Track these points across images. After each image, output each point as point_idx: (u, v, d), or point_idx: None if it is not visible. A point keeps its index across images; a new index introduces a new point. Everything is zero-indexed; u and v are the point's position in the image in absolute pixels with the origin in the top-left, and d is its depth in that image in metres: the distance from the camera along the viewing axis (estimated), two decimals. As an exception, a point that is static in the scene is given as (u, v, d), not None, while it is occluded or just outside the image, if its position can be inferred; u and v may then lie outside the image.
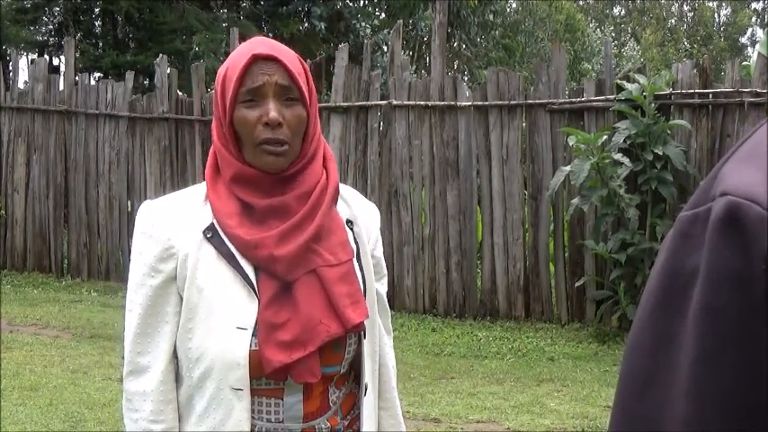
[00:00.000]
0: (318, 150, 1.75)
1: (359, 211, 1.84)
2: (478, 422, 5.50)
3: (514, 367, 6.88)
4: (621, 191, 7.46)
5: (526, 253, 8.42)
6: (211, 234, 1.69)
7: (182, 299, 1.69)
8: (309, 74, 1.75)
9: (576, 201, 7.59)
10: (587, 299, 8.10)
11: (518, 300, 8.41)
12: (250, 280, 1.66)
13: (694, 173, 7.58)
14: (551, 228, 8.38)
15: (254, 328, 1.64)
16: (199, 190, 1.76)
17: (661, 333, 0.69)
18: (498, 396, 6.03)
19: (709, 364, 0.65)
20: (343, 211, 1.80)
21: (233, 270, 1.67)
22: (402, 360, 6.91)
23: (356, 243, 1.79)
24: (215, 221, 1.70)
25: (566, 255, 8.37)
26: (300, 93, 1.69)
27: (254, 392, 1.67)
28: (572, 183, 7.61)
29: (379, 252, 1.89)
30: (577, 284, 7.99)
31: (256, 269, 1.67)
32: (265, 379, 1.66)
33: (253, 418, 1.68)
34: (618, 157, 7.49)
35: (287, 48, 1.74)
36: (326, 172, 1.76)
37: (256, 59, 1.67)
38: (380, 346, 1.85)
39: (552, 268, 8.41)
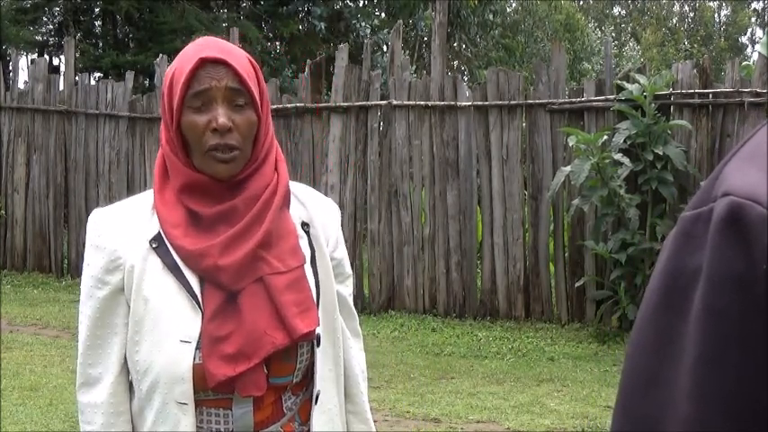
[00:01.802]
0: (270, 154, 1.69)
1: (316, 212, 1.77)
2: (478, 422, 5.49)
3: (514, 367, 6.88)
4: (622, 191, 7.46)
5: (526, 253, 8.42)
6: (157, 244, 1.64)
7: (130, 310, 1.65)
8: (261, 75, 1.69)
9: (576, 201, 7.58)
10: (587, 299, 8.10)
11: (518, 300, 8.40)
12: (194, 292, 1.61)
13: (694, 173, 7.57)
14: (551, 228, 8.37)
15: (198, 341, 1.59)
16: (148, 196, 1.71)
17: (663, 332, 0.69)
18: (498, 396, 6.02)
19: (711, 365, 0.65)
20: (298, 212, 1.74)
21: (178, 282, 1.62)
22: (402, 360, 6.92)
23: (311, 247, 1.72)
24: (161, 231, 1.65)
25: (566, 255, 8.37)
26: (251, 96, 1.62)
27: (201, 403, 1.62)
28: (572, 183, 7.60)
29: (341, 253, 1.80)
30: (577, 284, 7.98)
31: (202, 280, 1.62)
32: (212, 391, 1.62)
33: (201, 428, 1.63)
34: (618, 157, 7.48)
35: (237, 48, 1.69)
36: (277, 174, 1.70)
37: (204, 63, 1.60)
38: (345, 350, 1.79)
39: (552, 268, 8.40)
